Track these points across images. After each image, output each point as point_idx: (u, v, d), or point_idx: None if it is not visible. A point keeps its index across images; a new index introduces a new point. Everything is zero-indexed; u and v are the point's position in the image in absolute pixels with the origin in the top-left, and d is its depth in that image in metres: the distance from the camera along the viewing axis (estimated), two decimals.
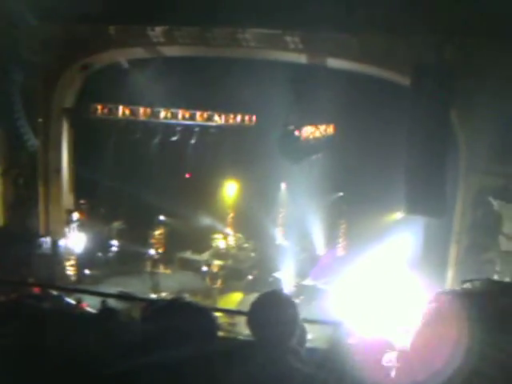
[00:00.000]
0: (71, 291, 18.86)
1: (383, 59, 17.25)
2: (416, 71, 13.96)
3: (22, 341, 2.65)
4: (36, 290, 14.04)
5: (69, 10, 17.25)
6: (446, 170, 14.12)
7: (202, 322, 2.61)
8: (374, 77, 18.49)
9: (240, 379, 3.22)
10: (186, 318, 2.55)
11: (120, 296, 13.78)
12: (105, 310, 6.27)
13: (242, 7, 16.83)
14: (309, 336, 3.57)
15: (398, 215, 21.55)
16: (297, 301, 3.64)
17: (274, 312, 3.38)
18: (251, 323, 3.44)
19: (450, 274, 17.99)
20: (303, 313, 3.62)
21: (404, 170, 14.48)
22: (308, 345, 3.98)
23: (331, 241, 25.00)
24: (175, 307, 2.67)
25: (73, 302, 16.78)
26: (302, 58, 19.15)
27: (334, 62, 18.87)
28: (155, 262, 24.31)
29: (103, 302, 7.27)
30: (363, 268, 20.24)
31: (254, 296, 3.56)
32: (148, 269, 24.00)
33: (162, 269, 24.67)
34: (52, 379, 2.76)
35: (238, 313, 18.39)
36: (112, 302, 10.01)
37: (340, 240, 25.42)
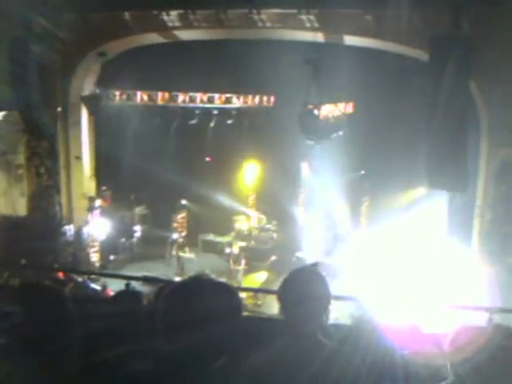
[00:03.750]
0: (95, 275, 19.09)
1: (400, 34, 17.06)
2: (433, 44, 13.80)
3: (39, 326, 2.64)
4: (61, 276, 14.20)
5: None
6: (467, 143, 14.00)
7: (226, 297, 2.59)
8: (393, 52, 18.32)
9: (267, 356, 3.23)
10: (207, 295, 2.54)
11: (143, 279, 13.84)
12: (121, 292, 6.30)
13: None
14: (332, 313, 3.56)
15: (422, 190, 21.41)
16: None
17: (306, 288, 3.36)
18: (283, 300, 3.42)
19: (475, 247, 17.89)
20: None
21: (425, 144, 14.38)
22: (332, 321, 3.97)
23: (354, 218, 24.92)
24: (196, 283, 2.65)
25: (98, 287, 16.94)
26: (319, 37, 19.02)
27: (350, 39, 18.72)
28: (179, 246, 24.39)
29: (127, 286, 7.29)
30: (388, 245, 20.19)
31: (277, 276, 3.56)
32: (173, 252, 24.10)
33: (186, 251, 24.74)
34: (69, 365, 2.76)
35: (264, 291, 18.48)
36: (137, 287, 10.08)
37: (363, 217, 25.35)
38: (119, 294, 6.16)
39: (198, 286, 2.61)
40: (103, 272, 21.06)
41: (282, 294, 3.43)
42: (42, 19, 17.73)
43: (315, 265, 3.59)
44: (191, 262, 23.44)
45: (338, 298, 7.48)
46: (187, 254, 24.53)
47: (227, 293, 2.62)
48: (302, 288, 3.36)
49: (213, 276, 2.73)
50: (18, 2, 16.42)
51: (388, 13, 16.63)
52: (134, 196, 25.91)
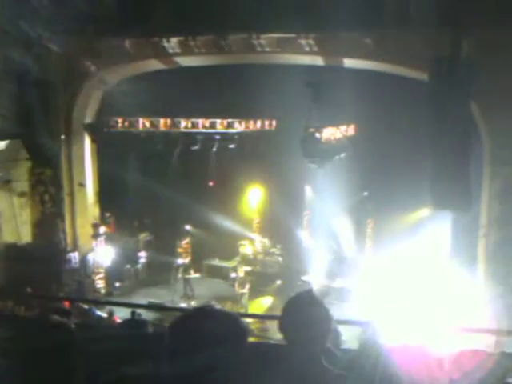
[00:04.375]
0: (100, 304, 19.00)
1: (399, 56, 17.16)
2: (433, 66, 13.84)
3: (42, 357, 2.65)
4: (66, 305, 14.16)
5: (84, 25, 17.42)
6: (470, 163, 13.99)
7: (231, 327, 2.60)
8: (393, 74, 18.39)
9: (271, 381, 3.22)
10: (213, 324, 2.55)
11: (148, 306, 13.82)
12: (127, 320, 6.29)
13: (255, 13, 16.90)
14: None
15: (426, 211, 21.36)
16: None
17: (305, 313, 3.35)
18: (283, 326, 3.43)
19: (480, 268, 17.82)
20: (333, 314, 3.60)
21: (428, 164, 14.38)
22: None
23: (359, 240, 24.87)
24: (202, 314, 2.67)
25: (104, 315, 16.89)
26: (318, 60, 19.13)
27: (350, 62, 18.82)
28: (185, 270, 24.31)
29: (133, 313, 7.28)
30: (393, 267, 20.13)
31: (283, 300, 3.55)
32: (180, 275, 23.98)
33: (192, 273, 24.58)
34: None
35: (269, 317, 18.41)
36: (143, 314, 10.05)
37: (368, 239, 25.29)
38: (125, 322, 6.16)
39: (205, 314, 2.63)
40: (109, 300, 21.01)
41: (283, 320, 3.43)
42: (43, 39, 17.88)
43: (311, 290, 3.58)
44: (197, 284, 23.35)
45: (344, 321, 7.47)
46: (193, 275, 24.38)
47: (233, 321, 2.64)
48: (300, 314, 3.36)
49: (218, 305, 2.75)
50: (18, 21, 16.57)
51: (388, 36, 16.76)
52: (137, 222, 25.96)
